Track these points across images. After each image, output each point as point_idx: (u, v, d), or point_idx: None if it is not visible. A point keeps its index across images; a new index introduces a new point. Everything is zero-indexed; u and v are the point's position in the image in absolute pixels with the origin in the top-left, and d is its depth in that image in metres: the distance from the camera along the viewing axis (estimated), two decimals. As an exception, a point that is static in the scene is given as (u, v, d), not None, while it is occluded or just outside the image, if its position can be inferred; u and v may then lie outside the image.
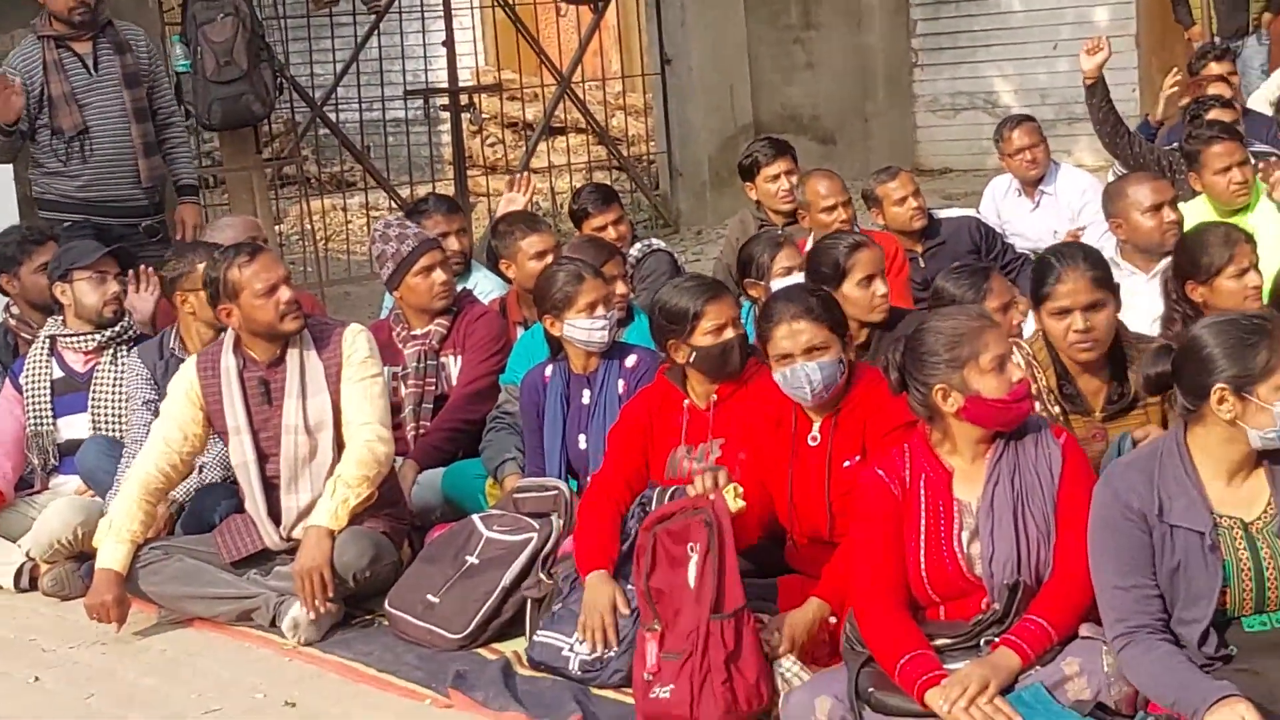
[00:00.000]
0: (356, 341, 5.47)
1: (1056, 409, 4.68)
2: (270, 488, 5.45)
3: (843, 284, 5.45)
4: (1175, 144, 7.47)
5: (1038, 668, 3.82)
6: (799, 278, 5.86)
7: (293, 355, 5.43)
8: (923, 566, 4.02)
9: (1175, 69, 9.12)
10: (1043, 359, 4.75)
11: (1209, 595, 3.71)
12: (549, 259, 6.18)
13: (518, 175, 8.29)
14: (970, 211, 8.29)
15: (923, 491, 4.07)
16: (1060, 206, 8.14)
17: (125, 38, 7.61)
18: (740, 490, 4.36)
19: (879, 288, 5.54)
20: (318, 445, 5.41)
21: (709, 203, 13.44)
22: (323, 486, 5.35)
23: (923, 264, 7.26)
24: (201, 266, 6.02)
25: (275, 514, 5.44)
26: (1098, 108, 7.79)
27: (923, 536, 4.03)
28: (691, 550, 4.28)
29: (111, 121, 7.48)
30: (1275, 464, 3.75)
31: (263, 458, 5.44)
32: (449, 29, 12.27)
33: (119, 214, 7.50)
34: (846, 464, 4.50)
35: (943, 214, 7.78)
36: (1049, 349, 4.75)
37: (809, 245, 6.79)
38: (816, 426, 4.61)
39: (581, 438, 5.49)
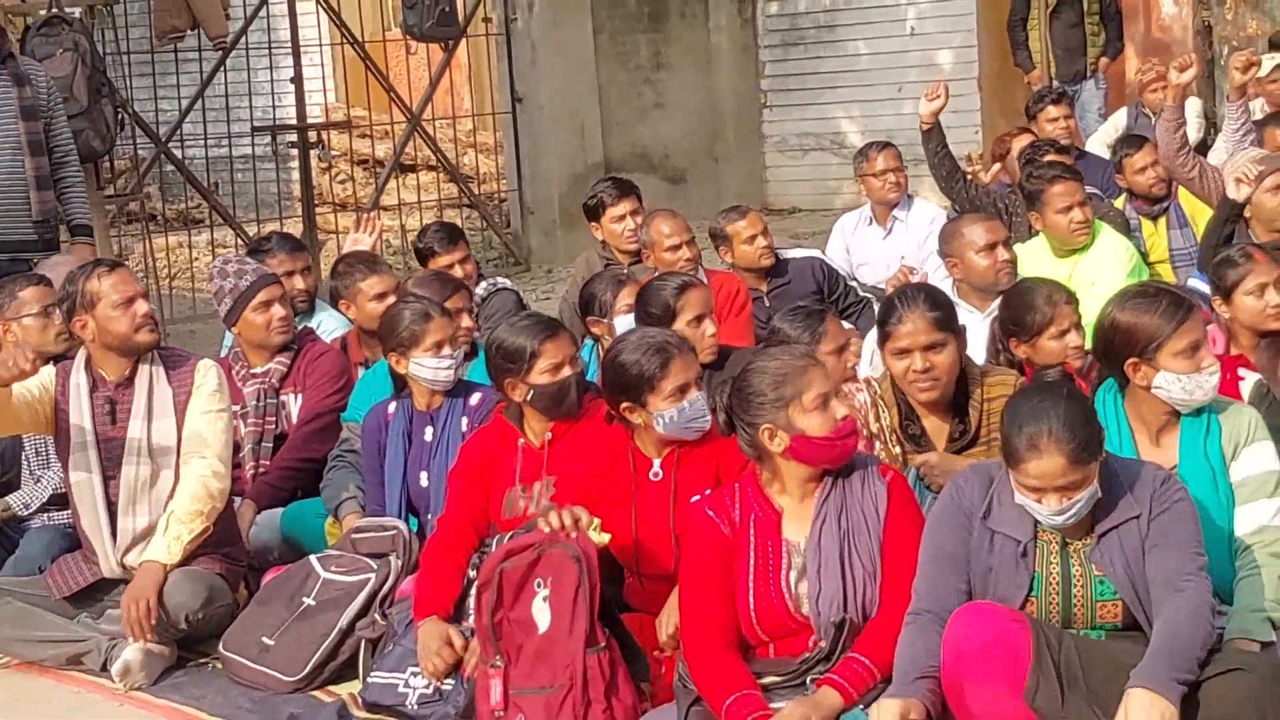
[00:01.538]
0: (209, 375, 5.41)
1: (898, 449, 4.74)
2: (110, 508, 5.35)
3: (672, 324, 5.47)
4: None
5: (861, 707, 3.86)
6: (638, 316, 5.88)
7: (142, 375, 5.36)
8: (751, 606, 4.06)
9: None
10: (888, 398, 4.81)
11: (1014, 601, 3.86)
12: (389, 300, 6.16)
13: (364, 215, 8.22)
14: (814, 252, 8.37)
15: (752, 531, 4.10)
16: (910, 234, 8.25)
17: (25, 71, 7.49)
18: (600, 523, 4.35)
19: (708, 328, 5.60)
20: (159, 470, 5.33)
21: (559, 241, 13.48)
22: (162, 511, 5.28)
23: (768, 303, 7.31)
24: (24, 294, 5.94)
25: (113, 534, 5.35)
26: (934, 152, 7.93)
27: (751, 576, 4.07)
28: (539, 586, 4.28)
29: (4, 153, 7.32)
30: (1100, 501, 3.85)
31: (105, 478, 5.35)
32: (297, 65, 12.19)
33: (9, 249, 7.34)
34: (695, 499, 4.49)
35: (788, 254, 7.84)
36: (895, 388, 4.81)
37: (653, 284, 6.82)
38: (658, 463, 4.63)
39: (423, 475, 5.45)
